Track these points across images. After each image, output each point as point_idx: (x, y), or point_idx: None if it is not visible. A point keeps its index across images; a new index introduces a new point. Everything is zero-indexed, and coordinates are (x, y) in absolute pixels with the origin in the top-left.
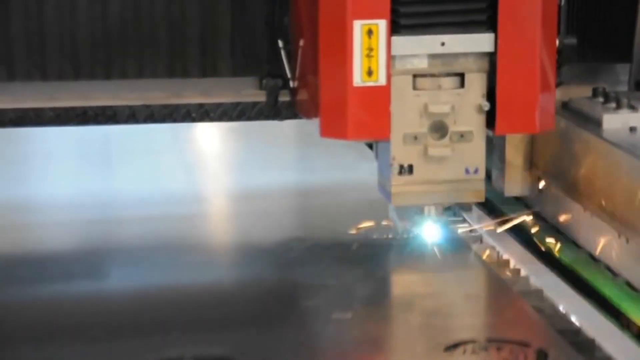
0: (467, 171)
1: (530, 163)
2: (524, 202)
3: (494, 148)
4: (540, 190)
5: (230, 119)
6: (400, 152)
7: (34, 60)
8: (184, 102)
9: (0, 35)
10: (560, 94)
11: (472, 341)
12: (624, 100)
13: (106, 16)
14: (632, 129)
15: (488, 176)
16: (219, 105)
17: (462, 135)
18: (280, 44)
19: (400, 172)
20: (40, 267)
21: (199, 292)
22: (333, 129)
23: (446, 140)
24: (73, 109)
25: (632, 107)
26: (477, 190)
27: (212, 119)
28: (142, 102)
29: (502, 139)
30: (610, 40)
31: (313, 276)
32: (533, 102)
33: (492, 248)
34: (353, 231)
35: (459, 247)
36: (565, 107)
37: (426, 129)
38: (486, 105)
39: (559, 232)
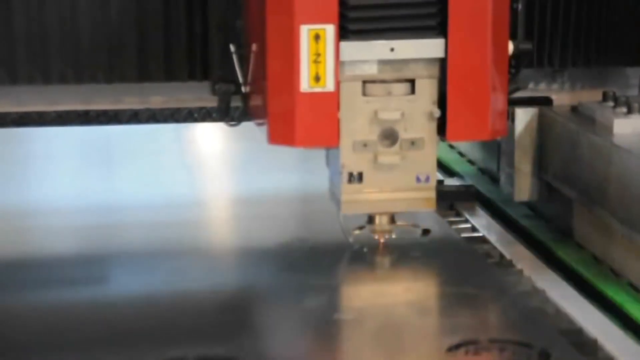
0: (418, 179)
1: (539, 168)
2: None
3: (502, 153)
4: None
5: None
6: (349, 159)
7: (36, 64)
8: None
9: (2, 38)
10: (569, 98)
11: (475, 342)
12: (635, 105)
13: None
14: None
15: (496, 181)
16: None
17: (413, 143)
18: (232, 48)
19: (350, 180)
20: (42, 272)
21: (202, 296)
22: (281, 136)
23: (396, 147)
24: (75, 109)
25: None
26: (428, 199)
27: (214, 120)
28: (143, 105)
29: (511, 143)
30: (620, 43)
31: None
32: (484, 109)
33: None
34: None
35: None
36: (575, 112)
37: (376, 136)
38: (437, 112)
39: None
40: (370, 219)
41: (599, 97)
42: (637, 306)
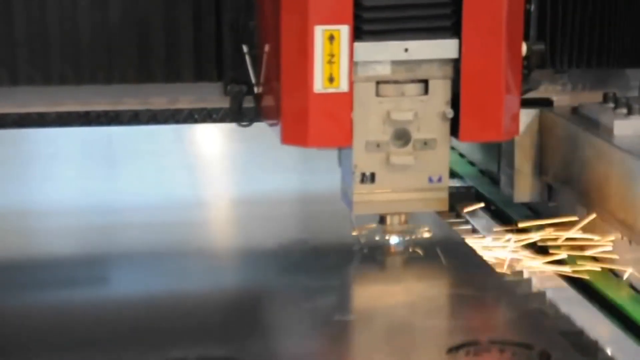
0: (430, 180)
1: (540, 169)
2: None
3: (503, 154)
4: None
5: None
6: (362, 160)
7: (37, 65)
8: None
9: (3, 39)
10: (569, 99)
11: (475, 343)
12: (635, 106)
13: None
14: None
15: (496, 182)
16: (220, 107)
17: (425, 143)
18: (245, 49)
19: (362, 181)
20: (43, 272)
21: (203, 297)
22: (294, 136)
23: (409, 148)
24: (76, 110)
25: None
26: (440, 199)
27: (214, 120)
28: (144, 106)
29: (511, 144)
30: (621, 45)
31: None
32: (498, 109)
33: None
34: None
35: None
36: (576, 113)
37: (389, 136)
38: (450, 113)
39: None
40: (382, 219)
41: (600, 98)
42: (638, 308)
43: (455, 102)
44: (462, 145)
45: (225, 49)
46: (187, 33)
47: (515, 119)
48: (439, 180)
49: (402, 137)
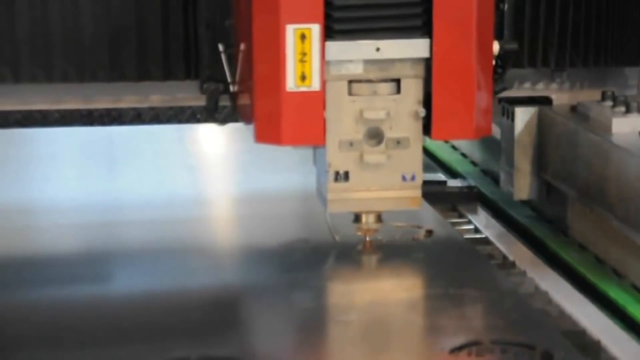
0: (404, 178)
1: (539, 167)
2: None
3: (502, 152)
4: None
5: (235, 120)
6: (336, 158)
7: (39, 62)
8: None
9: (6, 37)
10: (568, 98)
11: (478, 343)
12: (633, 104)
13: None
14: None
15: (496, 180)
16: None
17: (398, 142)
18: (221, 48)
19: (336, 179)
20: (46, 270)
21: (204, 294)
22: (267, 135)
23: (382, 146)
24: (78, 110)
25: None
26: (413, 198)
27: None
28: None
29: (511, 142)
30: (618, 44)
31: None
32: (469, 108)
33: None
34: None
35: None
36: (574, 111)
37: (362, 135)
38: (422, 112)
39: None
40: (357, 218)
41: (598, 96)
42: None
43: (427, 101)
44: (464, 146)
45: (200, 48)
46: (177, 32)
47: (488, 117)
48: (413, 178)
49: (375, 136)
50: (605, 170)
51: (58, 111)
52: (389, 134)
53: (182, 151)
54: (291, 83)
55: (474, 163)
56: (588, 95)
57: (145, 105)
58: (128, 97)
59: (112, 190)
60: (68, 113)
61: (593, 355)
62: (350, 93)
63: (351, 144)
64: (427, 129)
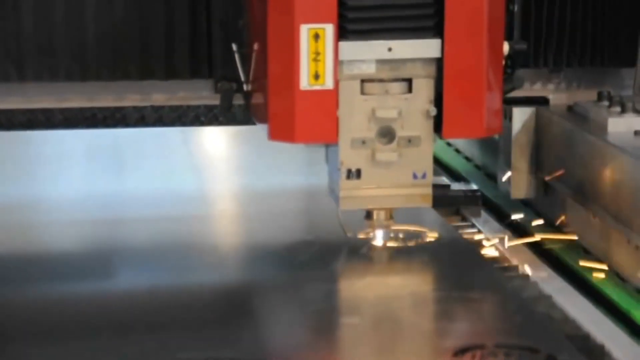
0: (415, 176)
1: (536, 166)
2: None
3: (500, 151)
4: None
5: (238, 122)
6: (348, 156)
7: (44, 61)
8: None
9: (11, 36)
10: (565, 98)
11: (481, 346)
12: (629, 104)
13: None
14: (637, 133)
15: (494, 179)
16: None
17: (409, 140)
18: (234, 47)
19: (348, 177)
20: (50, 267)
21: (207, 291)
22: (281, 133)
23: (394, 145)
24: (82, 112)
25: (637, 111)
26: (424, 195)
27: (221, 123)
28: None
29: (508, 142)
30: (614, 45)
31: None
32: (479, 107)
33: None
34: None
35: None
36: (571, 111)
37: (374, 133)
38: (433, 111)
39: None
40: (368, 214)
41: (595, 96)
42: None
43: (438, 101)
44: (468, 149)
45: (213, 47)
46: (183, 31)
47: (497, 116)
48: (424, 176)
49: (387, 134)
50: (601, 169)
51: (62, 113)
52: (401, 132)
53: (186, 152)
54: (305, 82)
55: (478, 167)
56: (584, 96)
57: (147, 103)
58: (131, 96)
59: (117, 188)
60: (72, 115)
61: (597, 359)
62: (362, 92)
63: (363, 142)
64: (437, 128)
